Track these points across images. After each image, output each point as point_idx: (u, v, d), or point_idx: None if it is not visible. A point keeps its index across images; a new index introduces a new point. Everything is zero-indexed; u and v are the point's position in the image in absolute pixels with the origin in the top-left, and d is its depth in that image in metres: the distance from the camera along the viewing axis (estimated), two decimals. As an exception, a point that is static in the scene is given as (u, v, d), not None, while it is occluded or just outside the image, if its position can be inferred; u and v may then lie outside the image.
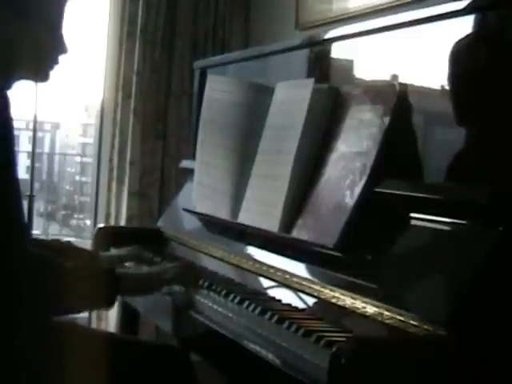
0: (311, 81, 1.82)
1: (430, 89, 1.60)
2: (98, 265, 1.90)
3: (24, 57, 1.49)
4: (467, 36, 1.49)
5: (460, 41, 1.50)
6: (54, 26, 1.53)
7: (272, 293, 1.74)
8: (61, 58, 1.55)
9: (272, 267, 1.80)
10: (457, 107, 1.51)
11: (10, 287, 1.33)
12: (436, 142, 1.59)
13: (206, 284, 1.79)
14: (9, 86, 1.48)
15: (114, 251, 2.21)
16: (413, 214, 1.47)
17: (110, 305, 1.69)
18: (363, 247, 1.53)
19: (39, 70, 1.54)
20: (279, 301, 1.66)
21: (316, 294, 1.60)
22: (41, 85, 3.11)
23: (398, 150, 1.60)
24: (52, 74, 1.56)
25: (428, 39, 1.59)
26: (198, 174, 2.27)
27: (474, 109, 1.49)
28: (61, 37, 1.54)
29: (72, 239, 3.29)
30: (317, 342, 1.30)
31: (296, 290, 1.67)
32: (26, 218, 3.21)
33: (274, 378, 1.37)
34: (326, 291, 1.57)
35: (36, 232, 5.44)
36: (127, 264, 2.10)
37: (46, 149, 9.61)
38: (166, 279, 1.79)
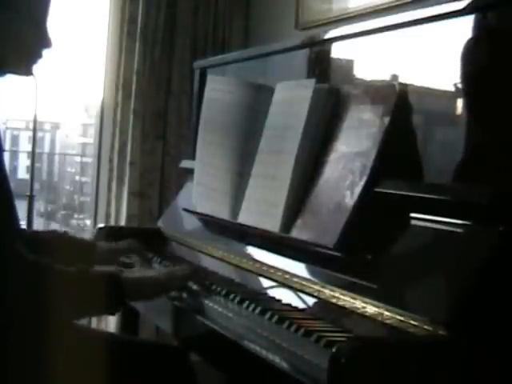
0: (312, 81, 1.82)
1: (430, 89, 1.60)
2: (101, 270, 1.82)
3: (6, 49, 1.47)
4: (467, 36, 1.49)
5: (461, 41, 1.50)
6: (38, 19, 1.51)
7: (272, 293, 1.73)
8: (45, 52, 1.52)
9: (272, 267, 1.80)
10: (457, 107, 1.51)
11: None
12: (436, 142, 1.59)
13: (206, 284, 1.79)
14: None
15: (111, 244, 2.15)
16: (413, 214, 1.47)
17: (114, 311, 1.65)
18: (363, 247, 1.53)
19: (22, 64, 1.51)
20: (279, 301, 1.66)
21: (316, 294, 1.60)
22: (41, 85, 3.12)
23: (397, 150, 1.60)
24: (36, 68, 1.53)
25: (428, 39, 1.59)
26: (198, 174, 2.27)
27: (474, 109, 1.49)
28: (45, 31, 1.52)
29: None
30: (317, 341, 1.30)
31: (296, 290, 1.67)
32: (26, 218, 3.21)
33: (274, 378, 1.37)
34: (326, 291, 1.57)
35: (36, 232, 5.43)
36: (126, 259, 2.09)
37: (46, 149, 9.61)
38: (173, 285, 1.75)
